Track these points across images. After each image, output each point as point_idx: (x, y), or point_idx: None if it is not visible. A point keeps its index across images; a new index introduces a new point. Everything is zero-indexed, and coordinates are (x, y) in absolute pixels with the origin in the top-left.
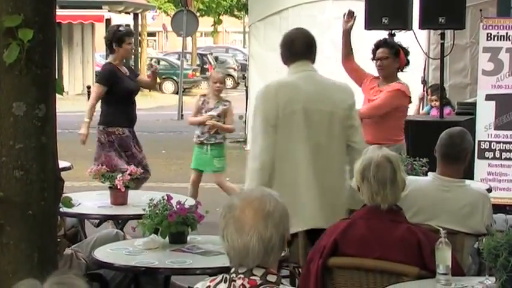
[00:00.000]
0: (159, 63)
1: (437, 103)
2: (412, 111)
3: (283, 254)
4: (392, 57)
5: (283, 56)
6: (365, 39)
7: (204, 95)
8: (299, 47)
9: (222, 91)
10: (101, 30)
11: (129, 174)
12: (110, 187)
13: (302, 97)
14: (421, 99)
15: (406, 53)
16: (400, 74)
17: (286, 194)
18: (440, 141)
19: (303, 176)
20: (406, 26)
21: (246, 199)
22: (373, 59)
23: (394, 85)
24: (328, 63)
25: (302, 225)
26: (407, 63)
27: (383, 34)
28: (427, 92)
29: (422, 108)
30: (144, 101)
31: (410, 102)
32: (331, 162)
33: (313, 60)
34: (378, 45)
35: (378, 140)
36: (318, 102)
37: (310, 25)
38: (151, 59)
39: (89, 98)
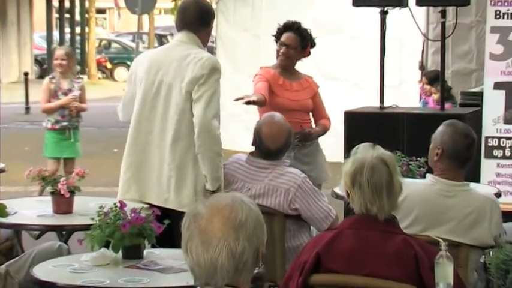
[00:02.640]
0: (110, 46)
1: (436, 96)
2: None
3: (256, 271)
4: (300, 50)
5: (175, 23)
6: (352, 18)
7: (53, 77)
8: (187, 17)
9: (68, 68)
10: (40, 6)
11: None
12: (51, 192)
13: (146, 66)
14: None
15: (313, 45)
16: (393, 59)
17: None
18: (453, 142)
19: (130, 149)
20: (401, 2)
21: (214, 206)
22: (277, 40)
23: (310, 79)
24: None
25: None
26: (308, 54)
27: (374, 12)
28: (422, 71)
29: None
30: (92, 91)
31: None
32: (164, 135)
33: (202, 33)
34: (288, 28)
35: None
36: (160, 72)
37: (289, 2)
38: (100, 41)
39: (26, 86)
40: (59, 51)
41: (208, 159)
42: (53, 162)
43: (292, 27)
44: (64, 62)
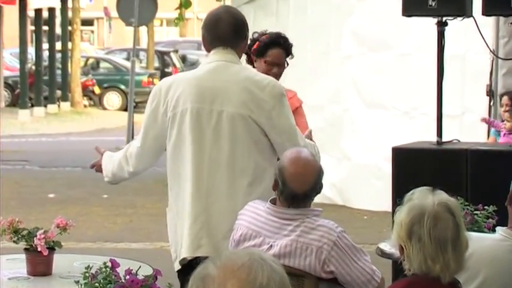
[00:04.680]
0: (98, 66)
1: (509, 124)
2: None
3: None
4: (285, 65)
5: (204, 40)
6: (402, 31)
7: None
8: (222, 32)
9: None
10: (12, 17)
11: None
12: (26, 249)
13: (195, 94)
14: (490, 122)
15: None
16: (454, 82)
17: (176, 215)
18: None
19: (185, 197)
20: (464, 11)
21: (228, 267)
22: (261, 56)
23: (291, 94)
24: (348, 63)
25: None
26: None
27: (429, 23)
28: (491, 97)
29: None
30: (77, 122)
31: None
32: (230, 175)
33: (240, 47)
34: (274, 43)
35: None
36: (218, 101)
37: (322, 10)
38: (86, 59)
39: None
40: None
41: None
42: None
43: (279, 42)
44: None
